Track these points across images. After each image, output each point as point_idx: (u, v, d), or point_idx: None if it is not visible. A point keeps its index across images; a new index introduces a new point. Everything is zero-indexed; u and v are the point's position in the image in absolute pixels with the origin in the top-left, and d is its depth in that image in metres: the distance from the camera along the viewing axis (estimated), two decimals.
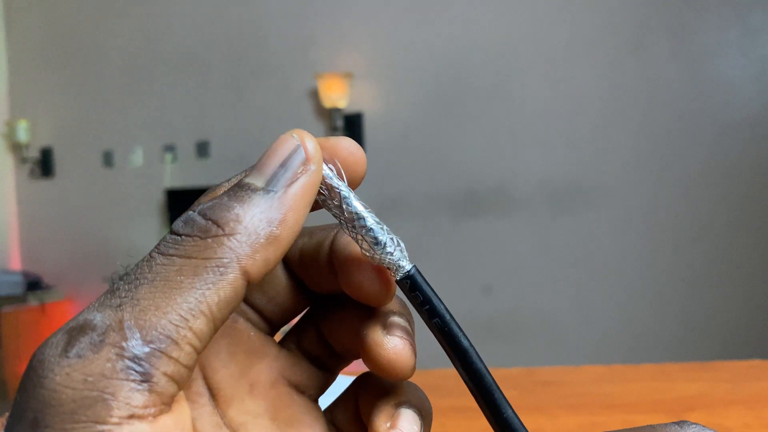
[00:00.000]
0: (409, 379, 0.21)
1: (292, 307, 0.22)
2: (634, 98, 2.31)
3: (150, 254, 0.16)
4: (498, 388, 0.19)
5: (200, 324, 0.15)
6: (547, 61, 2.40)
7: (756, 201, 2.22)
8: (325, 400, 0.23)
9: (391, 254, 0.19)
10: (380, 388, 0.21)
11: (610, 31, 2.33)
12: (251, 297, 0.22)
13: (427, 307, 0.19)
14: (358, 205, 0.20)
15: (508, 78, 2.45)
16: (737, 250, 2.25)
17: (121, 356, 0.14)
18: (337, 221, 0.20)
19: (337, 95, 2.56)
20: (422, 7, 2.55)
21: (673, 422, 0.17)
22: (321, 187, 0.19)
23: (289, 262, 0.22)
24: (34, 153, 3.40)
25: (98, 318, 0.15)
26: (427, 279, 0.20)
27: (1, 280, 3.10)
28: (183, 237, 0.16)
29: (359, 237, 0.19)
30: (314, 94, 2.68)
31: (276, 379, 0.21)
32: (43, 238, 3.44)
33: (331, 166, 0.20)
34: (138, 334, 0.14)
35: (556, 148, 2.40)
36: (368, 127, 2.63)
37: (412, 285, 0.19)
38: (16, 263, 3.48)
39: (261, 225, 0.16)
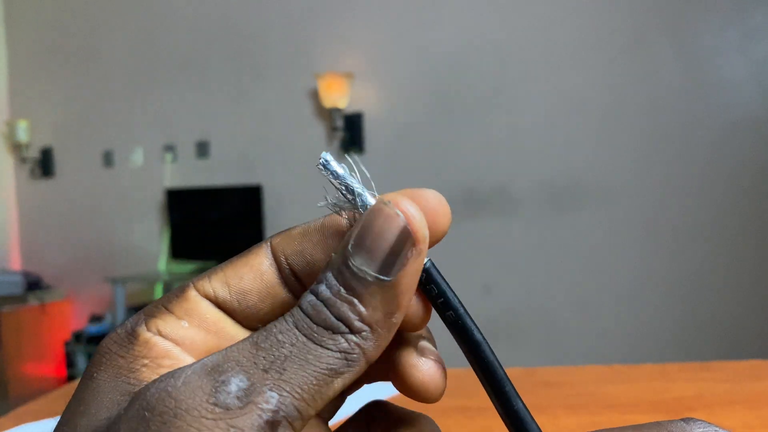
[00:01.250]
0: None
1: None
2: (634, 98, 2.31)
3: (290, 322, 0.17)
4: (509, 381, 0.19)
5: (321, 404, 0.17)
6: (547, 62, 2.40)
7: (756, 201, 2.22)
8: None
9: None
10: (394, 417, 0.22)
11: (610, 31, 2.33)
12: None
13: (441, 299, 0.19)
14: (360, 187, 0.20)
15: (508, 78, 2.45)
16: (737, 251, 2.25)
17: (261, 416, 0.16)
18: (347, 221, 0.20)
19: (337, 95, 2.56)
20: (422, 7, 2.55)
21: (679, 419, 0.18)
22: (341, 194, 0.19)
23: (301, 274, 0.21)
24: (34, 153, 3.40)
25: (242, 370, 0.16)
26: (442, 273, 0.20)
27: (1, 280, 3.10)
28: (316, 325, 0.17)
29: None
30: (314, 94, 2.68)
31: None
32: (43, 238, 3.44)
33: (343, 165, 0.20)
34: (276, 401, 0.16)
35: (556, 148, 2.40)
36: (368, 127, 2.63)
37: (427, 278, 0.19)
38: (16, 263, 3.48)
39: (383, 320, 0.17)
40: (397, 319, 0.18)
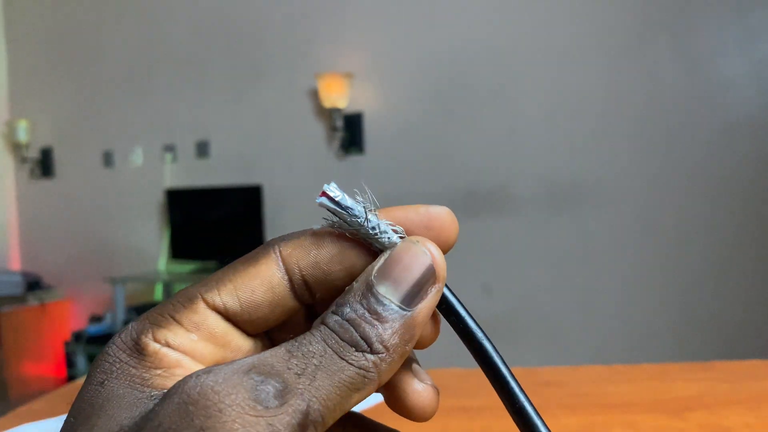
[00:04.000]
0: None
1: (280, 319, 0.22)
2: (634, 98, 2.31)
3: (319, 337, 0.18)
4: (515, 379, 0.21)
5: (338, 415, 0.18)
6: (547, 62, 2.40)
7: (756, 201, 2.22)
8: None
9: None
10: (368, 429, 0.23)
11: (610, 31, 2.33)
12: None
13: (444, 306, 0.21)
14: (376, 221, 0.20)
15: (508, 78, 2.45)
16: (737, 250, 2.25)
17: (294, 417, 0.17)
18: (355, 236, 0.21)
19: (337, 95, 2.56)
20: (422, 7, 2.55)
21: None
22: (339, 216, 0.20)
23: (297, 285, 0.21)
24: (34, 153, 3.40)
25: (277, 373, 0.17)
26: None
27: (1, 280, 3.10)
28: (342, 341, 0.18)
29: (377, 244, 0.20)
30: (314, 94, 2.68)
31: None
32: (43, 238, 3.44)
33: (351, 197, 0.20)
34: (307, 405, 0.17)
35: (556, 148, 2.40)
36: (368, 127, 2.63)
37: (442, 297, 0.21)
38: (16, 263, 3.48)
39: (399, 346, 0.19)
40: (410, 347, 0.19)
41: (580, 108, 2.37)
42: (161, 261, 3.09)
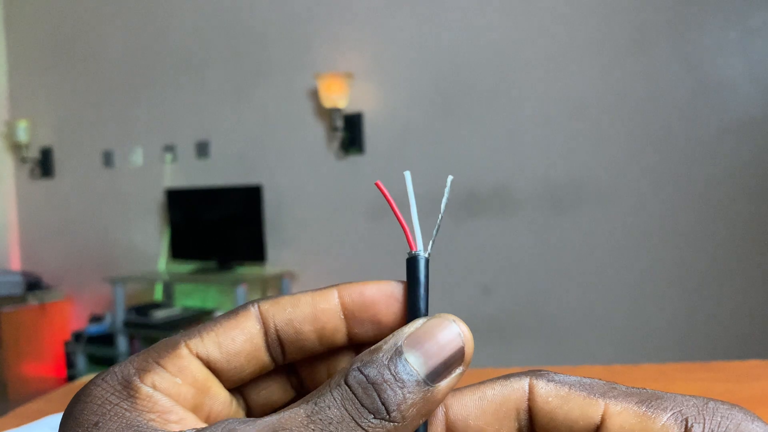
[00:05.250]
0: None
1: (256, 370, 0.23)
2: (634, 98, 2.31)
3: (338, 399, 0.18)
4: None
5: None
6: (547, 61, 2.40)
7: (756, 201, 2.22)
8: None
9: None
10: None
11: (610, 31, 2.33)
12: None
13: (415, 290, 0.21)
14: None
15: (508, 78, 2.45)
16: (737, 250, 2.25)
17: None
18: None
19: (337, 95, 2.56)
20: (422, 7, 2.55)
21: (730, 404, 0.19)
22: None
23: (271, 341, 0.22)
24: (34, 153, 3.40)
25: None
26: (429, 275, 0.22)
27: (1, 280, 3.10)
28: (362, 406, 0.18)
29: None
30: (314, 94, 2.68)
31: None
32: (43, 238, 3.44)
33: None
34: None
35: (556, 148, 2.40)
36: (368, 127, 2.63)
37: (415, 271, 0.22)
38: (16, 263, 3.48)
39: (414, 419, 0.19)
40: (422, 422, 0.19)
41: (581, 108, 2.37)
42: (161, 261, 3.09)
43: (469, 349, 0.20)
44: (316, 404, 0.18)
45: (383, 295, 0.22)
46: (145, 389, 0.19)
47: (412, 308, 0.21)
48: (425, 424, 0.20)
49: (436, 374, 0.19)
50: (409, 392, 0.18)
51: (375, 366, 0.19)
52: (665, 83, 2.28)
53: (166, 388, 0.20)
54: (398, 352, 0.19)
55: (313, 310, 0.22)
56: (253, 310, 0.22)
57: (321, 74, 2.58)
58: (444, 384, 0.19)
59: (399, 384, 0.18)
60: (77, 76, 3.28)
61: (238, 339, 0.21)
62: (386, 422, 0.18)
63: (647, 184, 2.31)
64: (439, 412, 0.21)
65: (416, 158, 2.54)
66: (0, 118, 3.45)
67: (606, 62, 2.33)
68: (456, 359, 0.19)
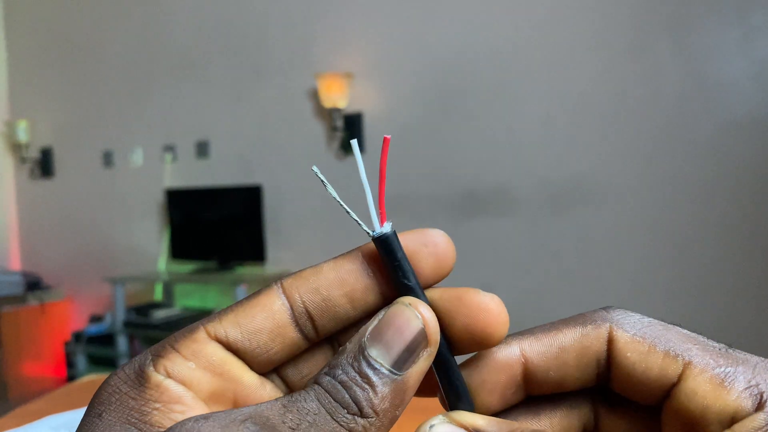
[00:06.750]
0: None
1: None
2: (634, 98, 2.31)
3: (312, 395, 0.19)
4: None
5: None
6: (547, 61, 2.40)
7: (756, 201, 2.22)
8: None
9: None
10: None
11: (610, 31, 2.33)
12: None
13: (397, 263, 0.21)
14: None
15: (508, 78, 2.45)
16: (738, 251, 2.25)
17: None
18: None
19: (337, 95, 2.56)
20: (422, 7, 2.55)
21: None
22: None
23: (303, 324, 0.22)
24: (34, 153, 3.40)
25: (273, 426, 0.18)
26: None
27: (1, 280, 3.10)
28: (335, 400, 0.18)
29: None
30: (314, 94, 2.68)
31: None
32: (43, 238, 3.44)
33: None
34: None
35: (556, 148, 2.40)
36: (368, 127, 2.63)
37: (390, 246, 0.22)
38: (16, 263, 3.48)
39: (389, 411, 0.19)
40: (400, 411, 0.19)
41: (580, 107, 2.37)
42: (161, 261, 3.09)
43: (432, 328, 0.20)
44: (293, 396, 0.19)
45: (419, 243, 0.22)
46: (155, 377, 0.19)
47: (400, 285, 0.21)
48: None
49: (402, 362, 0.19)
50: (377, 387, 0.18)
51: (341, 367, 0.19)
52: (665, 83, 2.28)
53: (179, 374, 0.19)
54: (361, 350, 0.19)
55: (337, 274, 0.21)
56: (276, 287, 0.21)
57: (321, 74, 2.58)
58: (412, 370, 0.19)
59: (365, 380, 0.18)
60: (77, 76, 3.28)
61: (258, 317, 0.21)
62: (359, 418, 0.18)
63: (647, 184, 2.31)
64: (517, 364, 0.21)
65: (416, 158, 2.54)
66: (0, 118, 3.45)
67: (606, 62, 2.33)
68: (418, 342, 0.19)
